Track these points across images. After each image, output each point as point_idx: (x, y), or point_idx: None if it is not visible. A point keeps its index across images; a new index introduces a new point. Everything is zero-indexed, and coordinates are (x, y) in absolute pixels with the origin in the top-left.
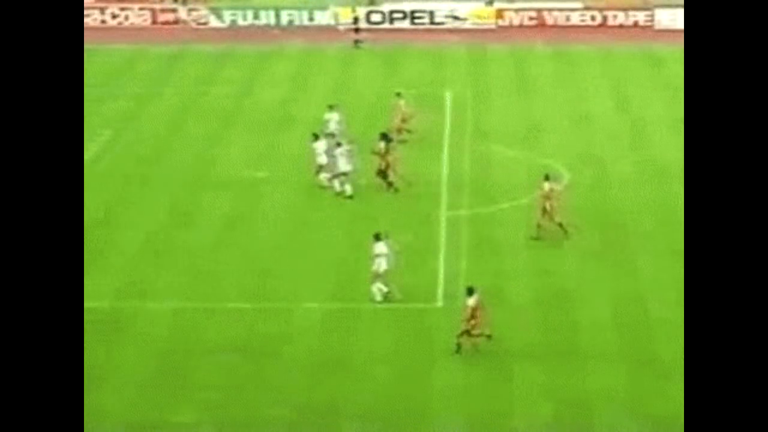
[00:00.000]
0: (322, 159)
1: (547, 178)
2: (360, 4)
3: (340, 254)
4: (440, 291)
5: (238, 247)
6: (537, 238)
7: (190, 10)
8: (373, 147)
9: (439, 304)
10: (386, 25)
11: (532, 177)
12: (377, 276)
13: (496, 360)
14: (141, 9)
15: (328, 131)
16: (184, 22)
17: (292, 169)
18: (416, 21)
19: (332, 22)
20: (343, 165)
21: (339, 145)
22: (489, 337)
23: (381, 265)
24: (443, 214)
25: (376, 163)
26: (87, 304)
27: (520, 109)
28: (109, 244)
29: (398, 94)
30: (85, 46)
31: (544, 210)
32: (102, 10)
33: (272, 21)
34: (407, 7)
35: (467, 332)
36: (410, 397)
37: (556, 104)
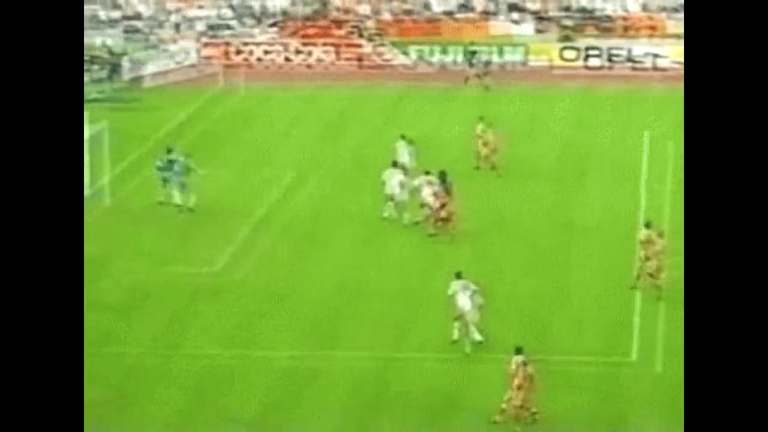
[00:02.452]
0: (395, 190)
1: (648, 225)
2: (552, 41)
3: (526, 302)
4: (635, 344)
5: (424, 293)
6: (634, 287)
7: (376, 46)
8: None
9: (634, 357)
10: (580, 63)
11: None
12: (466, 320)
13: None
14: (325, 45)
15: (403, 163)
16: (369, 58)
17: (477, 213)
18: (614, 59)
19: (523, 59)
20: (428, 196)
21: (428, 173)
22: (534, 415)
23: (465, 307)
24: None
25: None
26: (271, 353)
27: None
28: (296, 290)
29: (483, 120)
30: (269, 84)
31: (647, 258)
32: (285, 47)
33: (460, 57)
34: (604, 44)
35: (518, 407)
36: None
37: None
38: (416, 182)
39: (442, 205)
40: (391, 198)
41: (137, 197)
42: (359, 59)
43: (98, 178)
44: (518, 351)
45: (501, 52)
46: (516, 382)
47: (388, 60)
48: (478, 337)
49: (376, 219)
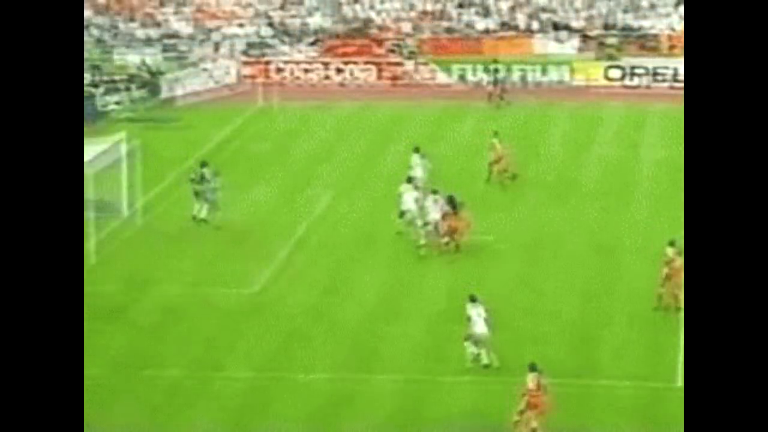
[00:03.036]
0: (410, 206)
1: (672, 243)
2: (596, 60)
3: (569, 323)
4: (680, 369)
5: (460, 313)
6: (657, 308)
7: (417, 64)
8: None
9: (679, 383)
10: (627, 82)
11: None
12: (471, 337)
13: None
14: (366, 64)
15: (415, 176)
16: (411, 77)
17: (524, 235)
18: (658, 78)
19: (567, 78)
20: (434, 214)
21: (435, 192)
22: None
23: (476, 326)
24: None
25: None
26: (308, 375)
27: None
28: (333, 312)
29: (495, 134)
30: (308, 103)
31: (667, 276)
32: (326, 66)
33: (502, 76)
34: (649, 63)
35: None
36: None
37: None
38: (425, 203)
39: (450, 228)
40: (405, 213)
41: (174, 217)
42: (400, 78)
43: (134, 197)
44: (533, 368)
45: (544, 71)
46: (528, 399)
47: (429, 78)
48: (486, 361)
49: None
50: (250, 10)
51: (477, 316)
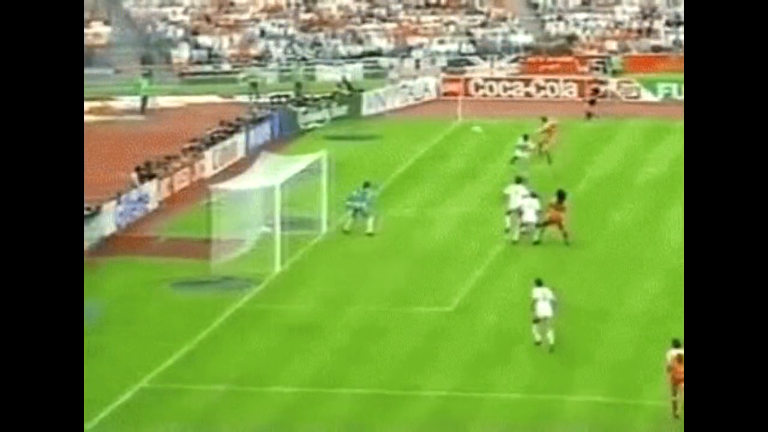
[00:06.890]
0: (515, 204)
1: (677, 344)
2: None
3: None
4: None
5: (659, 348)
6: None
7: (621, 82)
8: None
9: None
10: None
11: None
12: (537, 320)
13: None
14: (567, 81)
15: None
16: (613, 95)
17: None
18: None
19: None
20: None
21: (519, 181)
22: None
23: (541, 310)
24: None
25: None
26: (504, 395)
27: None
28: (526, 332)
29: (544, 119)
30: (508, 120)
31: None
32: (526, 83)
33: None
34: None
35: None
36: None
37: None
38: (506, 190)
39: (552, 218)
40: (517, 212)
41: (362, 234)
42: (603, 96)
43: (331, 213)
44: (676, 344)
45: None
46: (675, 376)
47: (633, 97)
48: (551, 341)
49: (615, 258)
50: (451, 27)
51: (543, 299)
